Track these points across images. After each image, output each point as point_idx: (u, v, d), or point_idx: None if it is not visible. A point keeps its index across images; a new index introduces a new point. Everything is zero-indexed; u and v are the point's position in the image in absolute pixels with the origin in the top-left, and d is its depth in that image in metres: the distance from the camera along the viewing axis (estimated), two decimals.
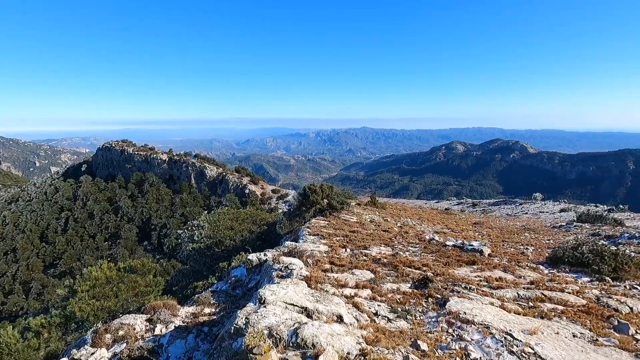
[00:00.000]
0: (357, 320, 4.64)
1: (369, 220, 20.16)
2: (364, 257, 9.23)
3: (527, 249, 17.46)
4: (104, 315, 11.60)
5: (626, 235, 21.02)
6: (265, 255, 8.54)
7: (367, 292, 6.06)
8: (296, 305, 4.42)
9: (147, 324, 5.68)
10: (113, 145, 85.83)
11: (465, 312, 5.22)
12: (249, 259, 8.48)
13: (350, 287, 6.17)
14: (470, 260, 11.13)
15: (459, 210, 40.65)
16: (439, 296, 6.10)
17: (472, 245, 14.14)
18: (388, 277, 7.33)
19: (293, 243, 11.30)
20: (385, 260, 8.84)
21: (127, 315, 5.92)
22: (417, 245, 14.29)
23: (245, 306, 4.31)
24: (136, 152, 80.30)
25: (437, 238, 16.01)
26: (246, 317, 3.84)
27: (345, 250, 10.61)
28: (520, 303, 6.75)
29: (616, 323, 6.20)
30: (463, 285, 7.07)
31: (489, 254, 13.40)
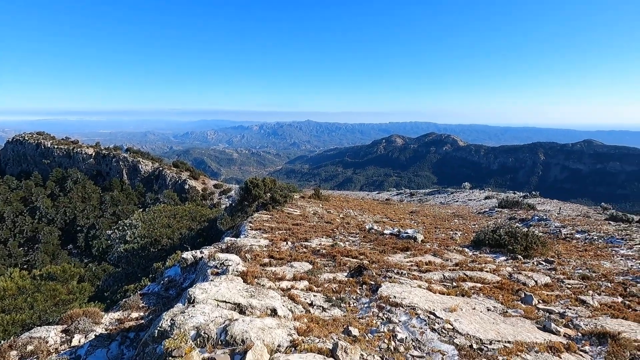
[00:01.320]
0: (292, 312, 4.67)
1: (312, 212, 20.38)
2: (304, 250, 9.32)
3: (455, 234, 19.04)
4: (16, 330, 10.31)
5: (536, 217, 23.91)
6: (201, 252, 8.21)
7: (304, 284, 6.13)
8: (229, 302, 4.31)
9: (64, 335, 5.15)
10: (26, 138, 75.92)
11: (395, 296, 5.53)
12: (183, 258, 8.09)
13: (287, 280, 6.19)
14: (405, 246, 11.81)
15: (398, 201, 42.92)
16: (372, 283, 6.39)
17: (407, 233, 15.03)
18: (326, 268, 7.50)
19: (233, 239, 11.02)
20: (324, 251, 9.02)
21: (39, 327, 5.31)
22: (357, 235, 14.80)
23: (173, 307, 4.11)
24: (56, 146, 71.93)
25: (376, 227, 16.73)
26: (172, 319, 3.65)
27: (287, 243, 10.62)
28: (446, 284, 7.33)
29: (523, 295, 7.03)
30: (395, 271, 7.47)
31: (422, 240, 14.35)
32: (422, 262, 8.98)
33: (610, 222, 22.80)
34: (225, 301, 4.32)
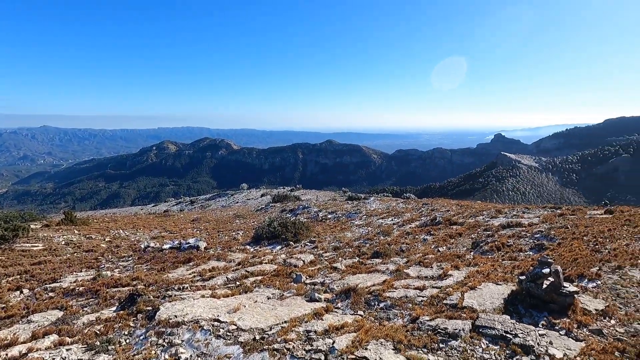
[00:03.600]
0: None
1: (64, 243, 16.09)
2: (51, 294, 7.18)
3: (238, 233, 19.84)
4: None
5: (301, 207, 28.35)
6: None
7: (51, 340, 4.69)
8: None
9: None
10: None
11: (176, 315, 5.13)
12: None
13: (21, 344, 4.56)
14: (187, 258, 11.24)
15: (178, 210, 40.34)
16: (149, 308, 5.68)
17: (189, 243, 14.36)
18: (86, 309, 6.06)
19: None
20: (82, 288, 7.27)
21: None
22: (130, 258, 12.86)
23: None
24: None
25: (153, 244, 15.07)
26: None
27: (21, 292, 7.86)
28: (230, 285, 7.49)
29: (295, 276, 8.15)
30: (177, 287, 6.96)
31: (205, 247, 14.09)
32: (206, 270, 8.80)
33: (349, 201, 30.02)
34: None
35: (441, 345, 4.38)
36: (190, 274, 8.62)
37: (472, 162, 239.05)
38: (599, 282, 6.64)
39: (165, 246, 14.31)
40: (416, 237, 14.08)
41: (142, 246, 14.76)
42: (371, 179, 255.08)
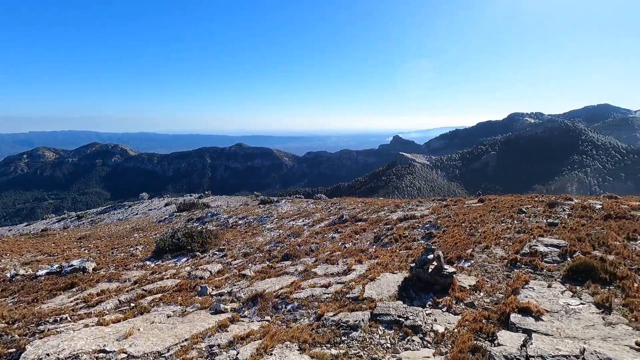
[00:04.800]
0: None
1: None
2: None
3: (136, 249, 17.86)
4: None
5: (209, 214, 26.95)
6: None
7: None
8: None
9: None
10: None
11: (48, 354, 4.34)
12: None
13: None
14: (69, 283, 9.68)
15: (61, 228, 34.54)
16: (12, 350, 4.70)
17: (72, 266, 12.39)
18: None
19: None
20: None
21: None
22: None
23: None
24: None
25: (23, 271, 12.61)
26: None
27: None
28: (122, 308, 6.68)
29: (200, 289, 7.68)
30: (52, 320, 5.93)
31: (94, 269, 12.33)
32: (93, 295, 7.71)
33: (261, 205, 29.64)
34: None
35: (343, 338, 4.60)
36: (72, 302, 7.44)
37: (375, 162, 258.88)
38: (472, 262, 7.80)
39: (41, 272, 12.12)
40: (325, 235, 14.61)
41: (8, 275, 12.24)
42: (284, 181, 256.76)
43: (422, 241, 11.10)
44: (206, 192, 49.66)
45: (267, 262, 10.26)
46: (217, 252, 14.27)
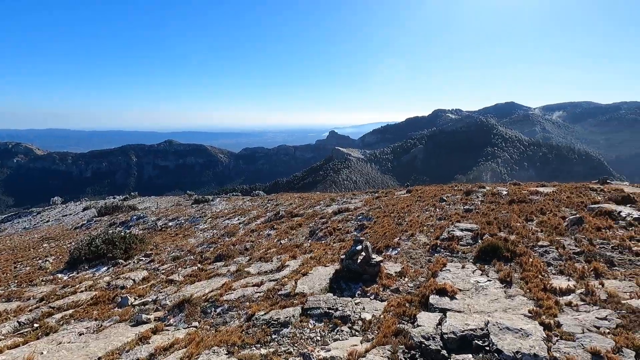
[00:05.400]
0: None
1: None
2: None
3: (46, 261, 15.78)
4: None
5: (135, 217, 24.86)
6: None
7: None
8: None
9: None
10: None
11: None
12: None
13: None
14: None
15: None
16: None
17: None
18: None
19: None
20: None
21: None
22: None
23: None
24: None
25: None
26: None
27: None
28: (23, 331, 5.83)
29: (120, 300, 7.03)
30: None
31: None
32: None
33: (194, 205, 28.14)
34: None
35: (274, 337, 4.56)
36: None
37: (312, 157, 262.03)
38: (399, 249, 8.29)
39: None
40: (261, 233, 14.38)
41: None
42: (220, 179, 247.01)
43: (355, 233, 11.50)
44: (133, 194, 45.83)
45: (199, 265, 9.77)
46: (144, 258, 13.23)
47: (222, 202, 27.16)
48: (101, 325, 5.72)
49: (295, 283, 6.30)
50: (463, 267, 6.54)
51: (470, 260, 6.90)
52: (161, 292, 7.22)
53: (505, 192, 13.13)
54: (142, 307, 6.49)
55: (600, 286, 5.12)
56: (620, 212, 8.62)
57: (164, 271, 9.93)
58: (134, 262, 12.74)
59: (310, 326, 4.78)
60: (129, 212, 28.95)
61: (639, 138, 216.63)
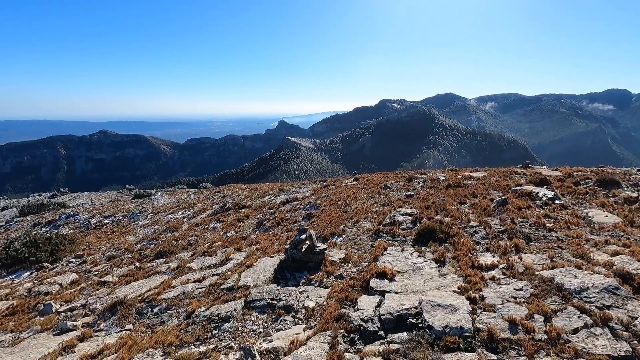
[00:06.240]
0: None
1: None
2: None
3: None
4: None
5: (64, 216, 22.60)
6: None
7: None
8: None
9: None
10: None
11: None
12: None
13: None
14: None
15: None
16: None
17: None
18: None
19: None
20: None
21: None
22: None
23: None
24: None
25: None
26: None
27: None
28: None
29: (42, 307, 6.36)
30: None
31: None
32: None
33: (134, 200, 26.29)
34: None
35: (214, 332, 4.42)
36: None
37: (262, 147, 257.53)
38: (344, 236, 8.47)
39: None
40: (206, 226, 13.87)
41: None
42: (164, 172, 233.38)
43: (303, 222, 11.53)
44: (62, 190, 41.76)
45: (136, 264, 9.17)
46: (74, 260, 12.11)
47: (165, 196, 25.73)
48: (18, 338, 5.14)
49: (239, 276, 6.16)
50: (402, 250, 6.87)
51: (410, 243, 7.26)
52: (92, 296, 6.66)
53: (443, 178, 13.98)
54: (69, 313, 5.93)
55: (519, 260, 5.67)
56: (537, 192, 9.60)
57: (96, 272, 9.17)
58: (62, 264, 11.61)
59: (253, 318, 4.71)
60: (57, 211, 26.30)
61: (556, 126, 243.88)
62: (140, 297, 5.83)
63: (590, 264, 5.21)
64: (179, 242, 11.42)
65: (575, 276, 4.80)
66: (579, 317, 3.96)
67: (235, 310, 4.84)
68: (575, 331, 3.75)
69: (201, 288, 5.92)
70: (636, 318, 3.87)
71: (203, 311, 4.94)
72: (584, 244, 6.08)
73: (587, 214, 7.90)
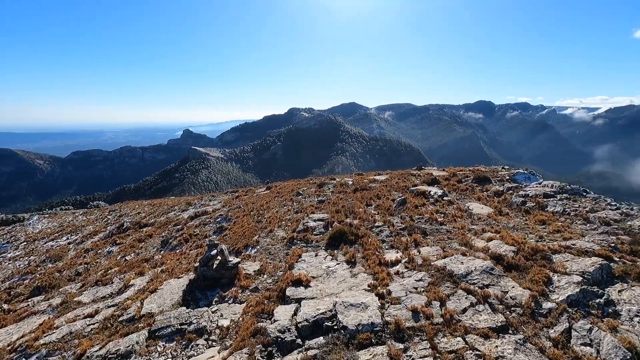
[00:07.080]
0: None
1: None
2: None
3: None
4: None
5: None
6: None
7: None
8: None
9: None
10: None
11: None
12: None
13: None
14: None
15: None
16: None
17: None
18: None
19: None
20: None
21: None
22: None
23: None
24: None
25: None
26: None
27: None
28: None
29: None
30: None
31: None
32: None
33: (1, 228, 21.61)
34: None
35: None
36: None
37: (165, 159, 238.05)
38: (258, 247, 8.30)
39: None
40: (99, 251, 12.14)
41: None
42: (41, 191, 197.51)
43: (214, 236, 10.95)
44: None
45: (4, 306, 7.53)
46: None
47: (44, 220, 21.83)
48: None
49: (142, 303, 5.52)
50: (316, 255, 7.03)
51: (323, 248, 7.48)
52: None
53: (351, 182, 14.80)
54: None
55: (418, 253, 6.30)
56: (430, 191, 10.85)
57: None
58: None
59: (160, 349, 4.26)
60: None
61: (442, 132, 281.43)
62: (10, 347, 4.77)
63: (472, 250, 6.07)
64: (64, 273, 9.75)
65: (462, 262, 5.54)
66: (466, 298, 4.57)
67: (137, 343, 4.31)
68: (464, 311, 4.31)
69: (94, 324, 5.12)
70: (507, 292, 4.63)
71: (97, 351, 4.27)
72: (467, 234, 7.06)
73: (468, 207, 9.21)
